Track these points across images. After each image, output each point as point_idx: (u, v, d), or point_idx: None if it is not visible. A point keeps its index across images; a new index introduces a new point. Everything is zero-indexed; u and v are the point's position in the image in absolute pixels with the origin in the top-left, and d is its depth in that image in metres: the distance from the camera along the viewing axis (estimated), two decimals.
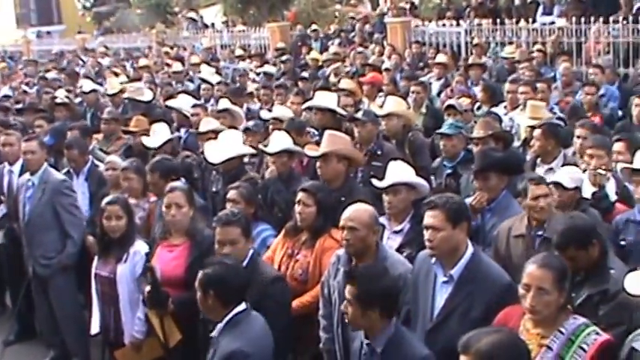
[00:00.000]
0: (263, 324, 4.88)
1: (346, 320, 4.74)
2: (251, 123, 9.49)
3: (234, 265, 4.97)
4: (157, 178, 7.31)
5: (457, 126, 8.03)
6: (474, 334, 3.63)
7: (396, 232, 6.17)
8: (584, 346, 4.19)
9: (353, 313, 4.56)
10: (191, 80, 16.44)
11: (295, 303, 5.94)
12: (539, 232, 5.74)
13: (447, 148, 7.93)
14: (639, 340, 4.17)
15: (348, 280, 4.66)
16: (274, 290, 5.38)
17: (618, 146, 7.22)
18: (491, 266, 5.03)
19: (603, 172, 6.64)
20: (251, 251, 5.58)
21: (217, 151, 7.85)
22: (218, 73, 15.82)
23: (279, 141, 7.78)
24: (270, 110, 10.56)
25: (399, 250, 5.90)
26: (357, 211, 5.46)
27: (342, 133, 7.68)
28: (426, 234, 4.94)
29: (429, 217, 4.92)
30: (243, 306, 4.84)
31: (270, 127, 9.37)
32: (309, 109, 10.26)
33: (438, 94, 12.62)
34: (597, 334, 4.25)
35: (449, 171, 7.82)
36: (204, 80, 14.23)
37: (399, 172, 6.35)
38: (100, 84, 15.38)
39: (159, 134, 9.03)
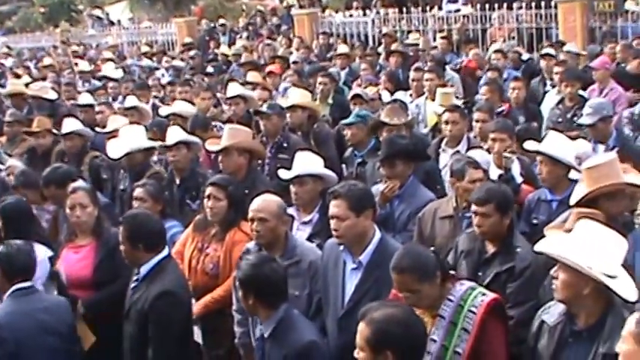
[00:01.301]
0: (44, 305, 5.22)
1: None
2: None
3: (18, 246, 5.32)
4: (54, 189, 7.04)
5: (358, 115, 8.12)
6: (375, 305, 3.86)
7: (305, 223, 6.19)
8: (473, 308, 4.28)
9: (240, 297, 4.68)
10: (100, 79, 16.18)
11: (208, 298, 5.93)
12: (468, 214, 5.70)
13: (348, 137, 8.04)
14: (549, 313, 4.24)
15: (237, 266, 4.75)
16: (156, 306, 5.12)
17: None
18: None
19: (509, 155, 6.75)
20: (159, 255, 5.33)
21: (118, 147, 7.76)
22: (125, 70, 15.62)
23: (175, 134, 7.68)
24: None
25: (308, 240, 5.91)
26: (265, 202, 5.48)
27: (242, 126, 7.68)
28: (332, 223, 4.99)
29: (333, 207, 4.98)
30: (26, 284, 5.16)
31: (171, 122, 9.17)
32: (217, 104, 10.25)
33: (344, 84, 12.65)
34: (483, 294, 4.36)
35: (359, 160, 7.88)
36: (107, 77, 14.02)
37: (305, 163, 6.37)
38: (3, 86, 15.01)
39: (69, 126, 8.89)
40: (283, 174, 6.38)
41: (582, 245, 3.96)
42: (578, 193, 5.47)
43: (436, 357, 4.28)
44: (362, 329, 3.71)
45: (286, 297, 4.71)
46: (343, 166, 8.20)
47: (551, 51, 12.24)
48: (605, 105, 7.82)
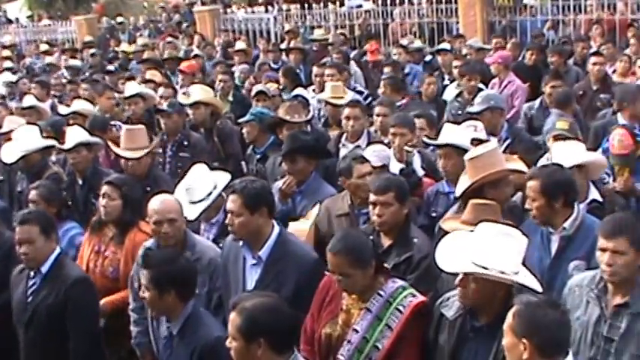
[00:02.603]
0: None
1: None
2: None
3: None
4: None
5: (252, 112, 8.14)
6: (246, 295, 4.01)
7: (211, 224, 6.11)
8: (401, 307, 4.34)
9: (153, 297, 4.57)
10: None
11: (109, 303, 5.81)
12: (365, 211, 5.72)
13: (245, 135, 8.07)
14: (447, 306, 4.29)
15: (143, 265, 4.66)
16: (73, 293, 5.20)
17: (420, 123, 7.42)
18: (297, 245, 5.14)
19: (409, 149, 6.81)
20: (56, 251, 5.38)
21: (12, 151, 7.62)
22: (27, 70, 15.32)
23: (74, 135, 7.51)
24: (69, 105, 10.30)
25: (214, 241, 5.86)
26: (167, 202, 5.44)
27: (138, 126, 7.59)
28: (227, 218, 5.03)
29: (229, 202, 5.00)
30: None
31: (71, 121, 8.99)
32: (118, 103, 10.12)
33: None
34: (413, 296, 4.40)
35: (258, 156, 7.86)
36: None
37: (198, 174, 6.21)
38: None
39: None
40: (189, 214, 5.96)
41: (488, 250, 3.99)
42: (463, 184, 5.55)
43: (355, 347, 4.35)
44: (233, 318, 3.73)
45: (194, 292, 4.72)
46: (243, 163, 8.19)
47: (447, 46, 12.46)
48: (494, 97, 7.99)
